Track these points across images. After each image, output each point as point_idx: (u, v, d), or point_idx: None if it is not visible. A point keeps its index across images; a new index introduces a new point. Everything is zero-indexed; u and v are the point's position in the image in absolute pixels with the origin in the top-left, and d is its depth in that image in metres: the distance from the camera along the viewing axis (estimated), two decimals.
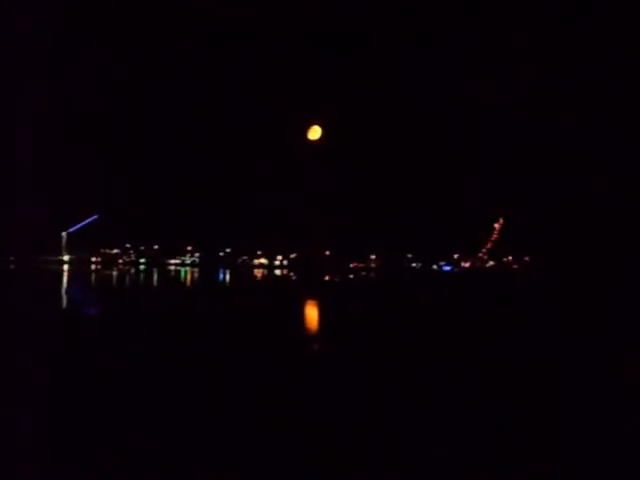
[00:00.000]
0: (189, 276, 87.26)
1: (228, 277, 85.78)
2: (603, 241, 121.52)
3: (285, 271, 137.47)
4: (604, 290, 55.54)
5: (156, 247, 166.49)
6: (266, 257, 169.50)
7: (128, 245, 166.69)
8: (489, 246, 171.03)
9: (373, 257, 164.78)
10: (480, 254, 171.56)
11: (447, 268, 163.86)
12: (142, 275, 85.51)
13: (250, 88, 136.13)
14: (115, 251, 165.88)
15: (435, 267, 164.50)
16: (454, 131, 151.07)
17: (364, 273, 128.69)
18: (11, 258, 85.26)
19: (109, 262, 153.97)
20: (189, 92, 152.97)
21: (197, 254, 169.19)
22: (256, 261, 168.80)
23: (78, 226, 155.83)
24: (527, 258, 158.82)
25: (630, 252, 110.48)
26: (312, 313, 28.58)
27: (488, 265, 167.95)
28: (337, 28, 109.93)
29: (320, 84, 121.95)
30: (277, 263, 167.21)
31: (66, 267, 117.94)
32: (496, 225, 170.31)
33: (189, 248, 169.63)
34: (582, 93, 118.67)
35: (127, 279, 69.50)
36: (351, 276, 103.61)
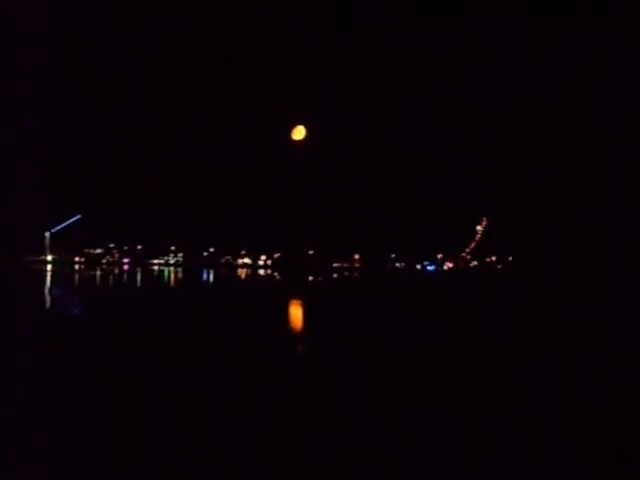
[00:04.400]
0: (172, 276, 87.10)
1: (211, 277, 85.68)
2: (589, 242, 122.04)
3: (269, 271, 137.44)
4: (589, 290, 55.76)
5: (140, 247, 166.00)
6: (250, 257, 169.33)
7: (112, 245, 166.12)
8: (472, 246, 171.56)
9: (357, 257, 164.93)
10: (464, 254, 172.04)
11: (431, 268, 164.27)
12: (126, 275, 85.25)
13: (235, 88, 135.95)
14: (99, 251, 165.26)
15: (419, 267, 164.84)
16: (439, 131, 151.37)
17: (347, 273, 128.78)
18: None
19: (93, 262, 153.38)
20: (174, 92, 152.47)
21: (180, 254, 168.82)
22: (240, 261, 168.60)
23: (61, 226, 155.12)
24: (511, 258, 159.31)
25: (617, 254, 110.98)
26: (297, 313, 28.53)
27: (471, 265, 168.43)
28: (332, 26, 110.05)
29: (304, 81, 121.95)
30: (261, 263, 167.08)
31: (49, 267, 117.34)
32: (479, 226, 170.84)
33: (172, 248, 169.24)
34: (579, 90, 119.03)
35: (111, 279, 69.29)
36: (335, 275, 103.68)
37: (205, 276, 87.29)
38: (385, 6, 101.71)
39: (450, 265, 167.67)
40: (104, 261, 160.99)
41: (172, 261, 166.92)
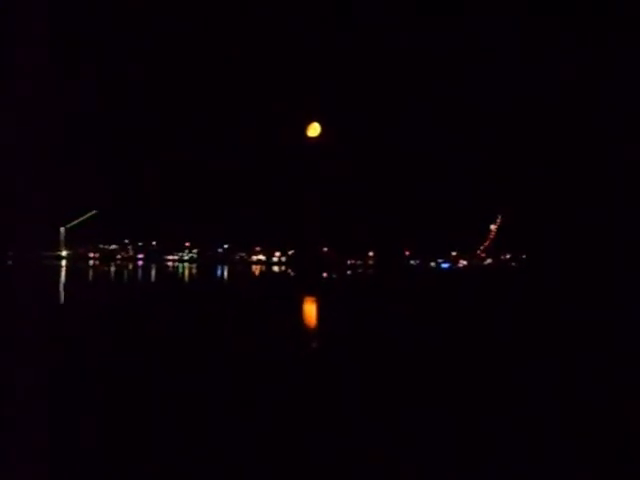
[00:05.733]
0: (187, 272, 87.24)
1: (225, 273, 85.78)
2: (602, 240, 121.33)
3: (283, 267, 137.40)
4: (602, 289, 55.51)
5: (154, 243, 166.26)
6: (264, 253, 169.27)
7: (126, 241, 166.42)
8: (487, 244, 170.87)
9: (371, 254, 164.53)
10: (478, 252, 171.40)
11: (445, 265, 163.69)
12: (140, 271, 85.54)
13: (246, 85, 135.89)
14: (113, 247, 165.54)
15: (433, 264, 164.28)
16: (452, 128, 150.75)
17: (361, 270, 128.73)
18: (9, 253, 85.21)
19: (107, 258, 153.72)
20: (186, 89, 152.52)
21: (195, 250, 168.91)
22: (254, 257, 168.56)
23: (76, 221, 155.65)
24: (525, 256, 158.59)
25: (617, 254, 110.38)
26: (304, 311, 28.50)
27: (486, 263, 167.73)
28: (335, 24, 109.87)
29: (305, 81, 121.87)
30: (275, 259, 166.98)
31: (64, 262, 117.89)
32: (494, 224, 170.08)
33: (187, 244, 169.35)
34: (579, 90, 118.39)
35: (125, 275, 69.57)
36: (348, 272, 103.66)
37: (219, 272, 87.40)
38: (385, 6, 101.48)
39: (464, 263, 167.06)
40: (119, 257, 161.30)
41: (186, 257, 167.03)
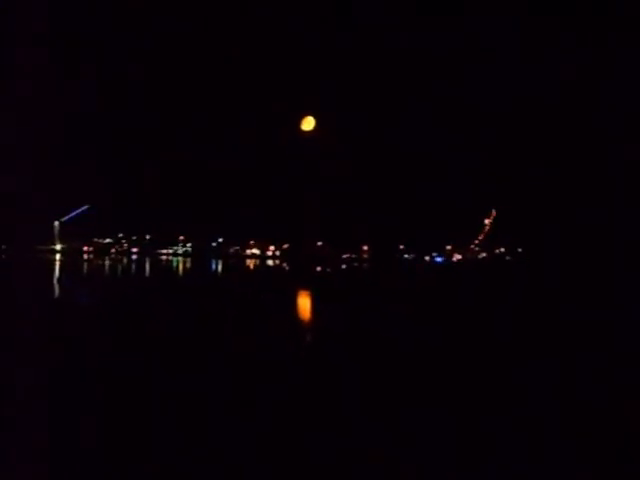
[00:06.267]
0: (180, 266, 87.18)
1: (219, 267, 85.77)
2: (589, 241, 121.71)
3: (277, 261, 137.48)
4: (596, 283, 55.61)
5: (148, 237, 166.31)
6: (258, 247, 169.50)
7: (120, 235, 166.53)
8: (481, 238, 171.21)
9: (365, 248, 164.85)
10: (472, 245, 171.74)
11: (439, 259, 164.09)
12: (134, 265, 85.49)
13: (240, 81, 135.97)
14: (107, 241, 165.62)
15: (427, 258, 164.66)
16: (452, 126, 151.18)
17: (356, 264, 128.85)
18: (2, 247, 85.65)
19: (101, 252, 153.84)
20: (177, 83, 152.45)
21: (189, 244, 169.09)
22: (248, 251, 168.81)
23: (70, 215, 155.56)
24: (520, 250, 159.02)
25: (617, 253, 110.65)
26: (298, 306, 28.42)
27: (480, 257, 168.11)
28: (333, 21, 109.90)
29: (304, 81, 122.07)
30: (269, 254, 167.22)
31: (58, 256, 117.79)
32: (488, 218, 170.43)
33: (181, 238, 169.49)
34: (579, 90, 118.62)
35: (119, 269, 69.52)
36: (343, 266, 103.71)
37: (213, 267, 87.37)
38: (385, 6, 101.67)
39: (459, 257, 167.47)
40: (113, 251, 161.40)
41: (180, 251, 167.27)
